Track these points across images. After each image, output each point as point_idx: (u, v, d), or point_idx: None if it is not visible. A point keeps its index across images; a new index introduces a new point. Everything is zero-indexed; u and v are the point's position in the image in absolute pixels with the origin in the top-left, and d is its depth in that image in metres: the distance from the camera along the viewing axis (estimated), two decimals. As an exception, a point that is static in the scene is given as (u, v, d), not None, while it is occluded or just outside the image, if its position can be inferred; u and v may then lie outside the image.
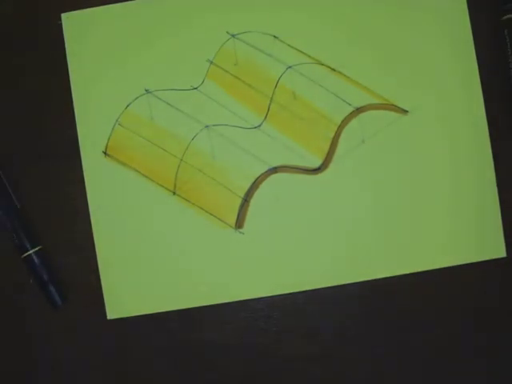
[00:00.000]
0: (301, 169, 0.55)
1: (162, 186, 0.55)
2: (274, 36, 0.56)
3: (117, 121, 0.56)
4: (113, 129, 0.56)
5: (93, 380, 0.56)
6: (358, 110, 0.55)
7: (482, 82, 0.55)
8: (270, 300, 0.56)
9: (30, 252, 0.54)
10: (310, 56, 0.55)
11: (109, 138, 0.56)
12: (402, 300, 0.55)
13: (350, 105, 0.55)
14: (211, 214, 0.55)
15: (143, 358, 0.56)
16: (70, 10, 0.56)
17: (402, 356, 0.54)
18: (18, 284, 0.56)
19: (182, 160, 0.55)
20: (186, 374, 0.56)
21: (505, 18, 0.54)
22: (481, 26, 0.55)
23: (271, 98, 0.55)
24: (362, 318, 0.55)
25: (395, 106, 0.55)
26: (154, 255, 0.55)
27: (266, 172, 0.55)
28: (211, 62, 0.56)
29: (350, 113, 0.55)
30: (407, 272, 0.54)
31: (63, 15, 0.56)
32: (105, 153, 0.56)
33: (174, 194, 0.55)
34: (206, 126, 0.55)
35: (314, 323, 0.56)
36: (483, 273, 0.55)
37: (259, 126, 0.55)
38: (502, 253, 0.55)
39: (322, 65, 0.55)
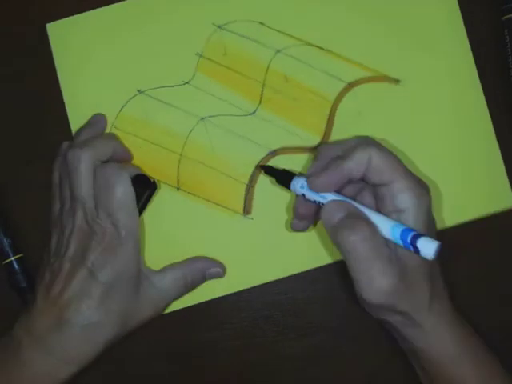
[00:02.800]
0: (300, 148, 0.55)
1: (166, 183, 0.55)
2: (260, 22, 0.56)
3: (113, 124, 0.56)
4: (109, 133, 0.56)
5: (93, 380, 0.55)
6: (351, 85, 0.55)
7: (482, 82, 0.55)
8: (270, 300, 0.56)
9: (12, 259, 0.55)
10: (297, 38, 0.56)
11: (107, 142, 0.55)
12: None
13: (341, 81, 0.55)
14: (218, 204, 0.55)
15: (143, 358, 0.56)
16: (54, 20, 0.56)
17: (402, 356, 0.53)
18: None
19: (181, 155, 0.55)
20: (186, 374, 0.56)
21: (505, 17, 0.55)
22: (481, 26, 0.56)
23: (263, 84, 0.56)
24: (362, 318, 0.55)
25: (386, 76, 0.55)
26: (163, 253, 0.55)
27: (267, 156, 0.55)
28: (200, 55, 0.56)
29: (343, 88, 0.55)
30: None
31: (48, 26, 0.56)
32: (104, 156, 0.55)
33: (179, 189, 0.55)
34: (202, 119, 0.56)
35: (314, 323, 0.56)
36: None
37: (254, 112, 0.56)
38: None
39: (310, 45, 0.56)
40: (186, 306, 0.55)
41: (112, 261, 0.48)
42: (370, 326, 0.55)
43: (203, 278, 0.53)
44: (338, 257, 0.55)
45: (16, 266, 0.55)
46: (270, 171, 0.53)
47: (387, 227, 0.45)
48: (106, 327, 0.49)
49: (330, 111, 0.55)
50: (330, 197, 0.47)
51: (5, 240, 0.55)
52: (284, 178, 0.51)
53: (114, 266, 0.48)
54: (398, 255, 0.45)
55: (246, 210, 0.55)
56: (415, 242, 0.43)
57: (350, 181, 0.47)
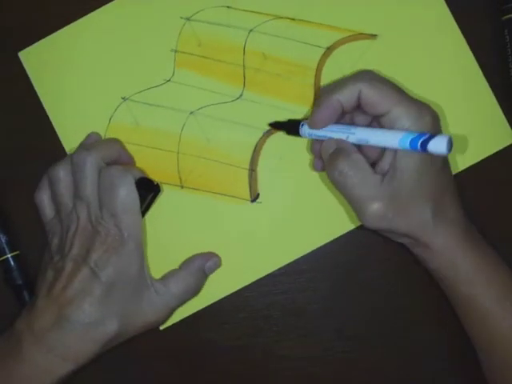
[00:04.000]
0: (294, 123, 0.55)
1: (169, 184, 0.55)
2: (227, 6, 0.56)
3: (105, 137, 0.56)
4: (103, 146, 0.56)
5: (93, 380, 0.56)
6: (329, 49, 0.55)
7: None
8: (270, 300, 0.56)
9: (8, 256, 0.55)
10: (266, 14, 0.56)
11: (103, 156, 0.56)
12: (401, 299, 0.56)
13: (319, 47, 0.55)
14: (224, 195, 0.55)
15: (143, 357, 0.56)
16: (25, 47, 0.56)
17: (402, 356, 0.54)
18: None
19: (179, 153, 0.56)
20: (185, 374, 0.57)
21: (505, 17, 0.54)
22: (481, 26, 0.55)
23: (243, 66, 0.56)
24: (362, 318, 0.56)
25: (363, 33, 0.55)
26: (177, 254, 0.55)
27: (263, 137, 0.55)
28: (175, 51, 0.56)
29: (323, 54, 0.55)
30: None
31: (21, 53, 0.56)
32: (104, 170, 0.56)
33: (182, 187, 0.56)
34: (191, 113, 0.56)
35: (314, 323, 0.56)
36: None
37: (241, 95, 0.56)
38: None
39: (281, 18, 0.56)
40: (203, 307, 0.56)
41: (114, 261, 0.49)
42: (370, 326, 0.55)
43: (205, 275, 0.54)
44: (348, 228, 0.55)
45: (12, 263, 0.55)
46: (279, 126, 0.54)
47: (396, 138, 0.46)
48: (106, 326, 0.50)
49: (314, 80, 0.55)
50: (330, 133, 0.50)
51: (1, 237, 0.55)
52: (292, 127, 0.53)
53: (115, 266, 0.49)
54: (392, 180, 0.47)
55: (253, 195, 0.55)
56: (427, 144, 0.44)
57: (345, 112, 0.49)
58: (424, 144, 0.44)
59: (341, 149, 0.48)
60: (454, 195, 0.49)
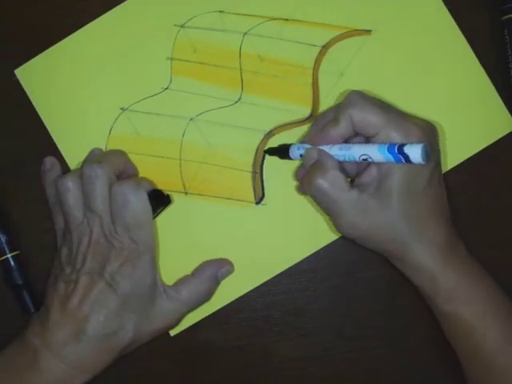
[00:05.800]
0: (294, 123, 0.55)
1: (173, 191, 0.55)
2: (220, 11, 0.56)
3: (106, 148, 0.56)
4: (105, 157, 0.56)
5: (93, 381, 0.55)
6: (325, 48, 0.55)
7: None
8: (270, 300, 0.56)
9: (8, 256, 0.55)
10: (259, 16, 0.56)
11: (105, 168, 0.55)
12: (401, 299, 0.56)
13: (315, 46, 0.55)
14: (229, 199, 0.55)
15: (143, 357, 0.56)
16: (20, 63, 0.56)
17: (402, 356, 0.54)
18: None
19: (181, 160, 0.56)
20: (186, 374, 0.57)
21: (505, 18, 0.54)
22: (481, 26, 0.56)
23: (240, 69, 0.56)
24: (362, 318, 0.56)
25: (357, 29, 0.55)
26: (185, 260, 0.55)
27: (264, 139, 0.55)
28: (171, 59, 0.56)
29: (319, 53, 0.55)
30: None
31: (17, 70, 0.56)
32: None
33: (186, 194, 0.56)
34: (191, 119, 0.56)
35: (314, 323, 0.56)
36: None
37: (239, 99, 0.56)
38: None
39: (275, 19, 0.56)
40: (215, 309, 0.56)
41: (130, 274, 0.50)
42: (370, 326, 0.56)
43: (217, 282, 0.54)
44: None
45: (12, 263, 0.55)
46: (272, 151, 0.54)
47: (375, 151, 0.46)
48: (121, 336, 0.50)
49: (312, 79, 0.55)
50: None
51: (1, 237, 0.55)
52: (283, 151, 0.53)
53: (131, 279, 0.50)
54: (371, 195, 0.48)
55: (257, 198, 0.55)
56: (403, 152, 0.44)
57: (345, 139, 0.49)
58: (400, 148, 0.44)
59: (320, 163, 0.48)
60: (438, 217, 0.49)
